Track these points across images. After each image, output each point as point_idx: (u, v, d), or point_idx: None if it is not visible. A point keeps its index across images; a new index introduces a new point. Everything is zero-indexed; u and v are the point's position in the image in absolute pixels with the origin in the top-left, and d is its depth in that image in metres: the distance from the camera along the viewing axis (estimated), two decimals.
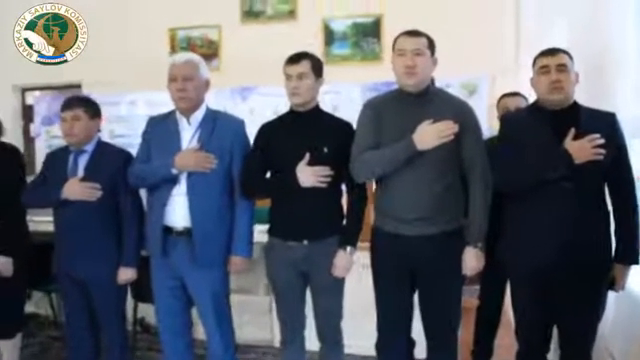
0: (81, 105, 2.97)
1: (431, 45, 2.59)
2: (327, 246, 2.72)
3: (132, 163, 2.92)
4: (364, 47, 5.96)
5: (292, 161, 2.68)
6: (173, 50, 6.28)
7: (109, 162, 2.98)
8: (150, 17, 6.19)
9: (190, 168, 2.75)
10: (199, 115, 2.86)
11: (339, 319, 2.85)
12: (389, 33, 6.01)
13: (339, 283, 2.80)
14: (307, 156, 2.66)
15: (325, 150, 2.70)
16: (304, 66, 2.71)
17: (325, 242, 2.73)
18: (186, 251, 2.79)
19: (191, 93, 2.80)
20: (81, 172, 2.95)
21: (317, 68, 2.74)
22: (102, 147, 3.04)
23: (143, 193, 3.00)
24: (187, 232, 2.78)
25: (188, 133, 2.84)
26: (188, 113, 2.84)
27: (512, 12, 5.35)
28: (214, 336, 2.88)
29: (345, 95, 5.42)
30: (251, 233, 2.87)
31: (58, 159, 3.04)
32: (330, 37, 5.97)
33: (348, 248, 2.71)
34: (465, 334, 3.25)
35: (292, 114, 2.80)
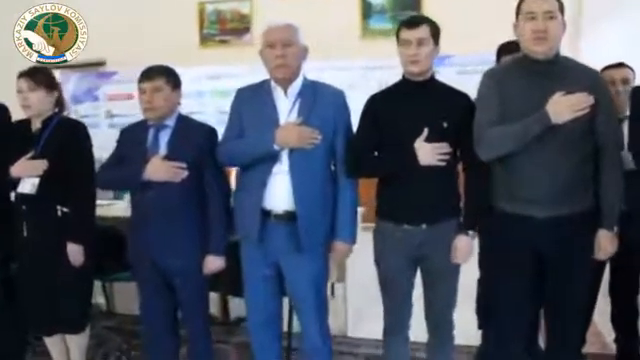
0: (162, 75, 2.67)
1: (561, 7, 2.36)
2: (445, 230, 2.48)
3: (221, 139, 2.63)
4: None
5: (408, 137, 2.42)
6: (202, 25, 5.98)
7: (193, 138, 2.68)
8: None
9: (293, 144, 2.47)
10: (297, 85, 2.57)
11: (453, 309, 2.62)
12: (429, 5, 5.80)
13: (456, 270, 2.56)
14: (425, 131, 2.41)
15: (445, 125, 2.44)
16: (424, 31, 2.44)
17: (443, 225, 2.48)
18: (286, 236, 2.52)
19: (291, 60, 2.52)
20: (163, 150, 2.65)
21: (436, 34, 2.49)
22: (184, 121, 2.74)
23: None
24: (288, 215, 2.50)
25: (285, 105, 2.56)
26: (286, 83, 2.56)
27: None
28: (312, 327, 2.62)
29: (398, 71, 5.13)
30: (356, 217, 2.61)
31: (135, 135, 2.74)
32: (368, 10, 5.67)
33: (470, 232, 2.46)
34: None
35: (406, 84, 2.54)
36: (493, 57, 4.61)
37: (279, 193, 2.50)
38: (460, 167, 2.57)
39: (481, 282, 3.09)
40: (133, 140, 2.73)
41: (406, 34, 2.45)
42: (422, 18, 2.49)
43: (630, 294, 3.11)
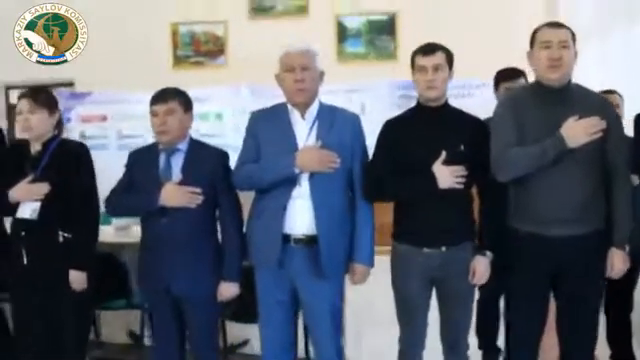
0: (175, 97, 2.63)
1: (573, 37, 2.47)
2: (463, 252, 2.53)
3: (237, 163, 2.60)
4: (378, 45, 5.76)
5: (425, 161, 2.45)
6: (175, 47, 5.91)
7: (206, 162, 2.64)
8: (150, 10, 5.79)
9: (314, 168, 2.46)
10: (314, 109, 2.58)
11: (468, 330, 2.65)
12: (404, 31, 5.89)
13: (472, 291, 2.61)
14: (443, 154, 2.45)
15: (462, 148, 2.49)
16: (439, 57, 2.50)
17: (461, 248, 2.52)
18: (305, 260, 2.50)
19: (309, 84, 2.53)
20: (177, 175, 2.60)
21: (450, 61, 2.55)
22: (196, 145, 2.70)
23: None
24: (308, 239, 2.49)
25: (303, 129, 2.56)
26: (304, 107, 2.56)
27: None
28: (328, 351, 2.60)
29: (374, 93, 5.19)
30: (373, 240, 2.61)
31: (145, 160, 2.68)
32: (343, 34, 5.73)
33: (487, 253, 2.51)
34: None
35: (422, 109, 2.58)
36: (474, 81, 4.77)
37: (299, 217, 2.48)
38: (474, 190, 2.62)
39: (480, 302, 3.14)
40: (143, 164, 2.67)
41: (422, 60, 2.50)
42: (437, 45, 2.54)
43: (624, 311, 3.21)
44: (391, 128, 2.60)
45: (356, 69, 5.49)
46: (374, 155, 2.60)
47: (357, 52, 5.71)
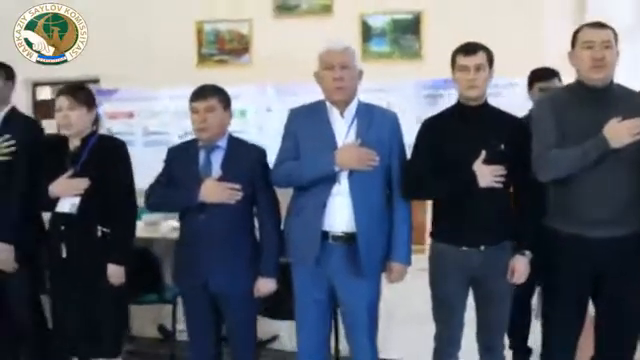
0: (215, 94, 2.64)
1: (616, 37, 2.47)
2: (502, 251, 2.53)
3: (277, 160, 2.61)
4: (403, 44, 5.76)
5: (466, 159, 2.46)
6: (200, 45, 5.94)
7: (245, 159, 2.66)
8: (175, 9, 5.82)
9: (353, 166, 2.47)
10: (353, 107, 2.59)
11: (505, 331, 2.66)
12: (429, 30, 5.88)
13: (509, 291, 2.60)
14: (483, 154, 2.45)
15: (502, 147, 2.49)
16: (481, 57, 2.51)
17: (500, 247, 2.53)
18: (344, 258, 2.52)
19: (348, 82, 2.54)
20: (217, 171, 2.62)
21: (491, 60, 2.56)
22: (235, 142, 2.72)
23: None
24: (347, 237, 2.51)
25: (342, 126, 2.57)
26: (343, 105, 2.57)
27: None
28: (364, 350, 2.62)
29: (399, 93, 5.19)
30: (411, 238, 2.62)
31: (185, 156, 2.70)
32: (367, 33, 5.73)
33: (527, 252, 2.50)
34: None
35: (461, 108, 2.58)
36: (501, 81, 4.74)
37: (339, 214, 2.50)
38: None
39: (512, 302, 3.12)
40: (183, 160, 2.69)
41: (464, 60, 2.50)
42: (478, 45, 2.54)
43: None
44: (431, 126, 2.61)
45: (381, 68, 5.47)
46: (413, 153, 2.61)
47: (382, 51, 5.71)
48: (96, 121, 2.92)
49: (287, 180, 2.58)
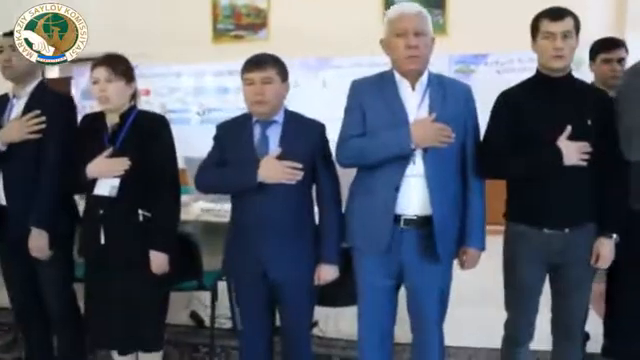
0: (275, 65, 2.41)
1: (577, 25, 2.33)
2: (586, 234, 2.34)
3: (342, 136, 2.38)
4: None
5: (548, 135, 2.27)
6: (215, 20, 5.70)
7: (305, 135, 2.43)
8: None
9: (430, 143, 2.24)
10: (424, 79, 2.37)
11: (586, 318, 2.50)
12: (454, 5, 5.69)
13: (591, 277, 2.43)
14: (568, 129, 2.26)
15: (589, 123, 2.29)
16: (569, 23, 2.31)
17: (584, 229, 2.34)
18: (416, 243, 2.32)
19: (423, 51, 2.31)
20: (275, 149, 2.39)
21: (578, 27, 2.35)
22: (292, 117, 2.48)
23: None
24: (420, 221, 2.30)
25: (413, 100, 2.34)
26: (415, 76, 2.34)
27: None
28: (433, 338, 2.43)
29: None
30: (485, 222, 2.42)
31: (237, 133, 2.46)
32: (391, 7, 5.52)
33: (614, 235, 2.32)
34: None
35: (543, 80, 2.37)
36: (528, 55, 4.56)
37: (414, 196, 2.29)
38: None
39: None
40: (235, 138, 2.46)
41: (550, 26, 2.29)
42: (565, 10, 2.33)
43: None
44: (508, 100, 2.40)
45: None
46: (489, 129, 2.41)
47: None
48: (135, 95, 2.68)
49: (357, 159, 2.34)
